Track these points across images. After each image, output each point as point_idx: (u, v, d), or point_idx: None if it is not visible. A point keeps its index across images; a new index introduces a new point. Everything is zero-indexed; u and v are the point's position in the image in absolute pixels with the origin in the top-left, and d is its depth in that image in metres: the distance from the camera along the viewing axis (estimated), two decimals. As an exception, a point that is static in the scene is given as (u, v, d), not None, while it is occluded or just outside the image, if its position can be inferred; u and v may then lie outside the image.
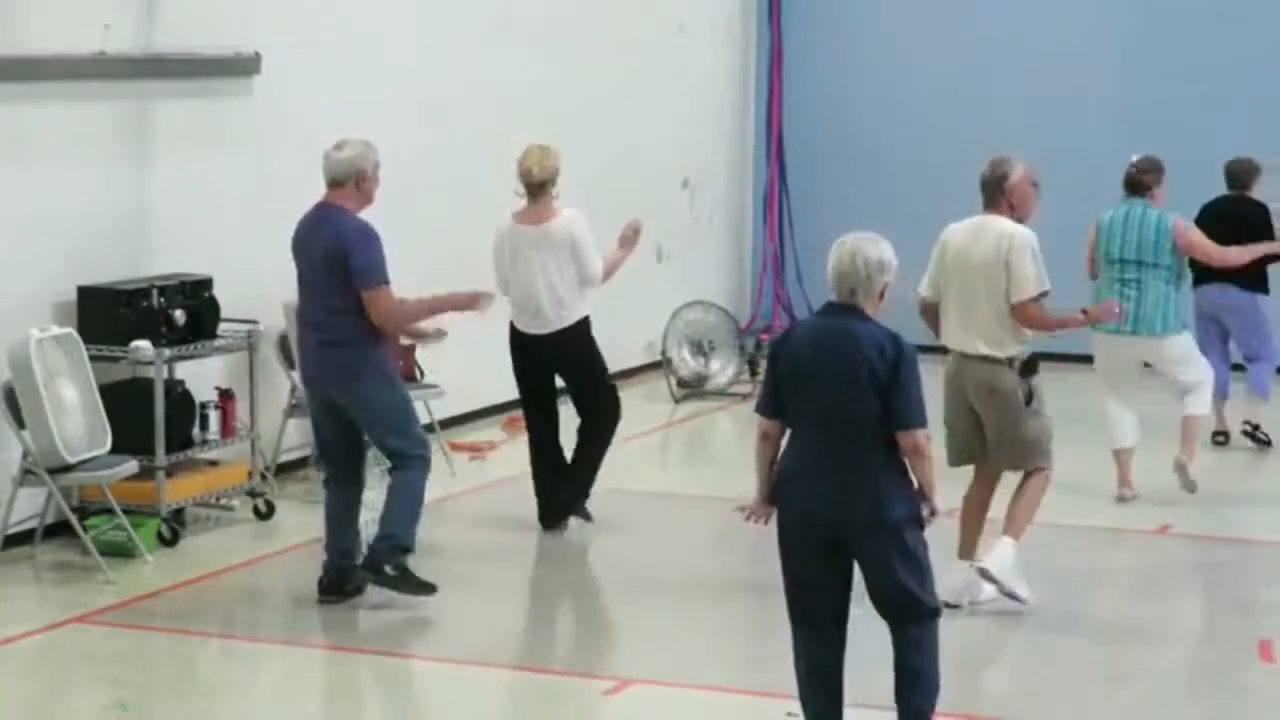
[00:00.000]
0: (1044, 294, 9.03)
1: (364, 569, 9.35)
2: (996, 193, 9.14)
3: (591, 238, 10.58)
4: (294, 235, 9.32)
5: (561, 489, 10.73)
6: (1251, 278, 12.51)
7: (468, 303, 9.45)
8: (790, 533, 6.89)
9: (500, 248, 10.56)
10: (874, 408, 6.72)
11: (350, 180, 9.19)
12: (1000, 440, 9.12)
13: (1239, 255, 11.86)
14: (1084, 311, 9.78)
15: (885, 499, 6.75)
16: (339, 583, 9.38)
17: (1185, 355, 11.31)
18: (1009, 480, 9.33)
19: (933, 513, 6.89)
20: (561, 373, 10.73)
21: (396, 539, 9.31)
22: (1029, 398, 9.11)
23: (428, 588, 9.33)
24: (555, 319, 10.53)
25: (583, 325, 10.66)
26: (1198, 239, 11.43)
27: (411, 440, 9.32)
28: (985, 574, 9.11)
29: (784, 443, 6.98)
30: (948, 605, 8.95)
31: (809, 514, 6.82)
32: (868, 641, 7.05)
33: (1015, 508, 9.23)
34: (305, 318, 9.38)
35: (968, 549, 9.27)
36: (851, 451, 6.76)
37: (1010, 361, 9.07)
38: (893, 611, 6.90)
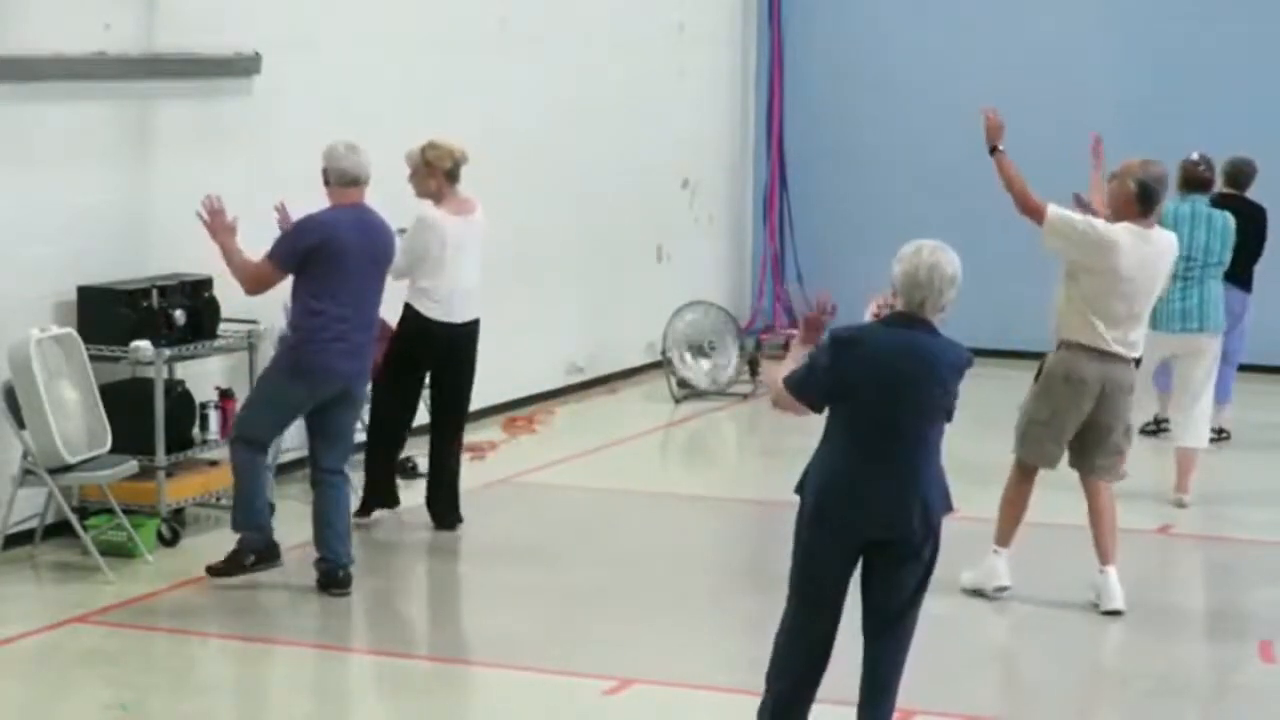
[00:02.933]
0: None
1: (342, 588, 9.51)
2: (1159, 201, 9.24)
3: None
4: (336, 233, 9.37)
5: (441, 503, 10.82)
6: (1245, 278, 12.49)
7: None
8: (826, 534, 6.78)
9: (436, 240, 10.46)
10: (940, 421, 6.77)
11: (367, 181, 9.48)
12: (1120, 435, 9.28)
13: None
14: None
15: (935, 506, 6.78)
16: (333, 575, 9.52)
17: (1219, 356, 11.41)
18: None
19: None
20: (463, 364, 10.71)
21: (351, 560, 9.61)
22: (1133, 389, 9.42)
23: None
24: (475, 306, 10.62)
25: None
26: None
27: None
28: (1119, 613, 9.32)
29: (825, 445, 6.91)
30: (978, 593, 9.32)
31: (857, 520, 6.74)
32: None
33: (1103, 531, 9.36)
34: (355, 316, 9.45)
35: (1006, 538, 9.42)
36: (910, 463, 6.73)
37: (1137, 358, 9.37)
38: (893, 616, 6.83)
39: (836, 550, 6.80)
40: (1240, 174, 12.68)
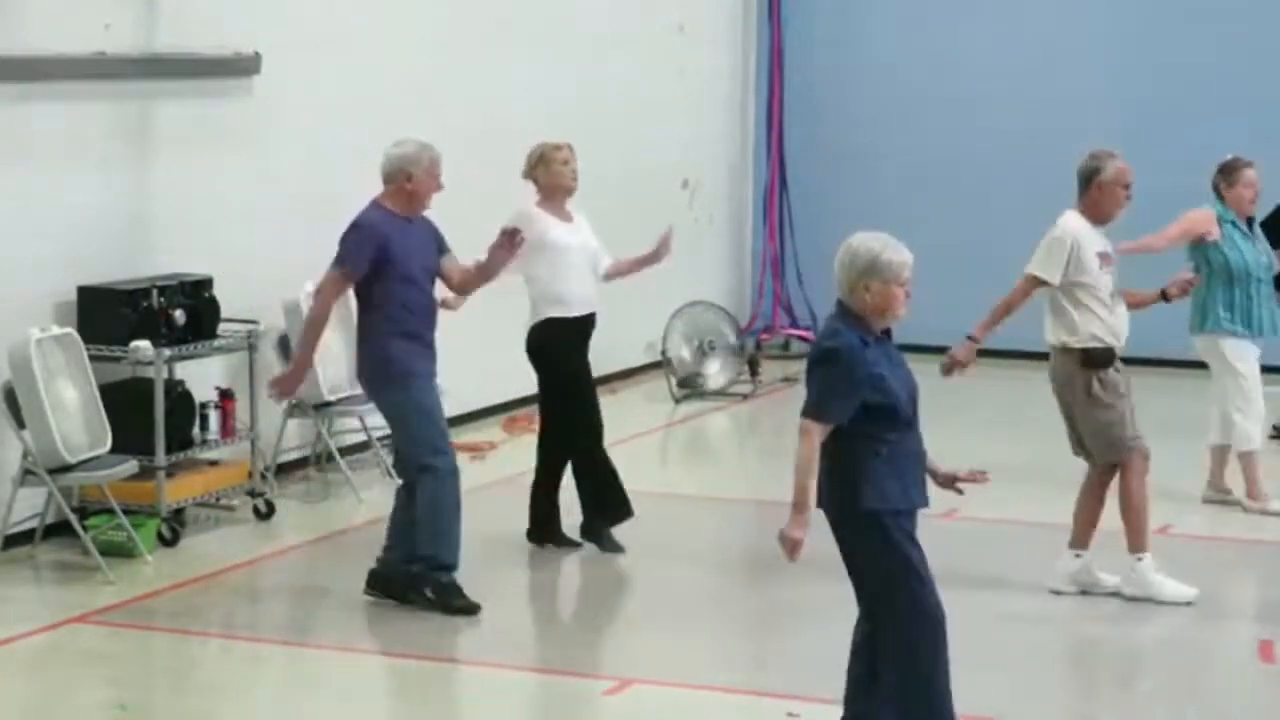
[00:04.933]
0: (1039, 280, 9.09)
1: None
2: (1084, 186, 9.21)
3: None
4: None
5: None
6: None
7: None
8: None
9: None
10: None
11: (391, 180, 9.09)
12: (1082, 430, 9.24)
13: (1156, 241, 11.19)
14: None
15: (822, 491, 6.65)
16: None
17: (1210, 359, 11.18)
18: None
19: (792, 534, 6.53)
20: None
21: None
22: (1088, 389, 9.15)
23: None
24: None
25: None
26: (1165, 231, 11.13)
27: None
28: (1127, 596, 9.36)
29: None
30: (1058, 592, 9.33)
31: None
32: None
33: (1125, 519, 9.33)
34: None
35: (1078, 539, 9.46)
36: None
37: (1066, 348, 9.16)
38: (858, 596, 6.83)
39: None
40: None
